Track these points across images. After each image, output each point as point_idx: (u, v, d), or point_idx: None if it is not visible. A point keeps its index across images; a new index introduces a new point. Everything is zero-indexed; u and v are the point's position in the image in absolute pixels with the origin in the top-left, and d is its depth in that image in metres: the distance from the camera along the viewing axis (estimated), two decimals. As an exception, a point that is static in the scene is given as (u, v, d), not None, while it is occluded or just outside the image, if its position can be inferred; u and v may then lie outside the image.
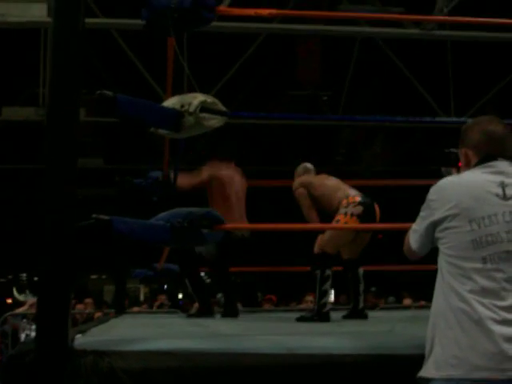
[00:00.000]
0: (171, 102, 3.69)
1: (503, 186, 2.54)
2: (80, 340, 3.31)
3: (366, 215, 5.56)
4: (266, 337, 3.67)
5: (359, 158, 15.06)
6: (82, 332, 3.89)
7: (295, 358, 3.09)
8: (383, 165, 14.17)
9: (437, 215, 2.58)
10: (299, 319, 5.46)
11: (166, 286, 16.46)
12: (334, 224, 5.57)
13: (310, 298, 9.66)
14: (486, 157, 2.63)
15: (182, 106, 3.59)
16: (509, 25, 6.83)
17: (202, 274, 6.90)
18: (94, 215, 3.34)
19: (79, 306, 10.14)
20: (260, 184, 7.85)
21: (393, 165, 14.04)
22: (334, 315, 5.62)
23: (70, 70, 3.10)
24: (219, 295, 14.75)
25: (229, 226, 3.71)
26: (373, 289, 11.51)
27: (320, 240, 5.54)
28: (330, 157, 15.00)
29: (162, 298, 11.40)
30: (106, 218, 3.37)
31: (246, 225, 4.20)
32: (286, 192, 6.23)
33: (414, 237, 2.74)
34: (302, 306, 9.74)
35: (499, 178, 2.55)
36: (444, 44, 11.43)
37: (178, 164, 5.56)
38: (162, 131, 3.79)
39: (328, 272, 5.48)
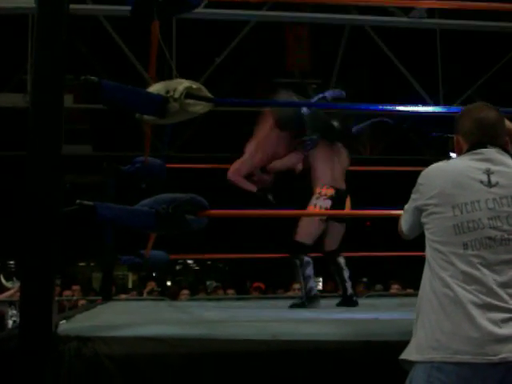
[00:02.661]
0: (156, 88, 3.67)
1: (489, 173, 2.54)
2: (64, 326, 3.31)
3: (333, 209, 5.64)
4: (251, 323, 3.68)
5: (347, 146, 15.03)
6: (67, 318, 3.89)
7: (280, 344, 3.10)
8: (371, 152, 14.16)
9: (423, 200, 2.60)
10: (292, 306, 5.51)
11: (154, 274, 16.46)
12: (321, 210, 5.61)
13: (297, 285, 9.67)
14: (475, 144, 2.63)
15: (167, 92, 3.57)
16: (497, 11, 6.84)
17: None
18: (78, 201, 3.32)
19: (66, 293, 10.12)
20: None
21: (381, 153, 14.04)
22: (321, 302, 5.65)
23: (54, 55, 3.08)
24: (209, 282, 14.81)
25: (213, 212, 3.69)
26: (364, 279, 11.53)
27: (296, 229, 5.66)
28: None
29: (152, 284, 11.39)
30: (90, 203, 3.36)
31: (232, 211, 4.19)
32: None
33: (404, 217, 2.77)
34: (290, 293, 9.75)
35: (485, 165, 2.55)
36: (433, 32, 11.43)
37: (165, 150, 5.55)
38: (146, 117, 3.77)
39: (306, 259, 5.55)
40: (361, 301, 6.24)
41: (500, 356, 2.37)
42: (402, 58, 11.87)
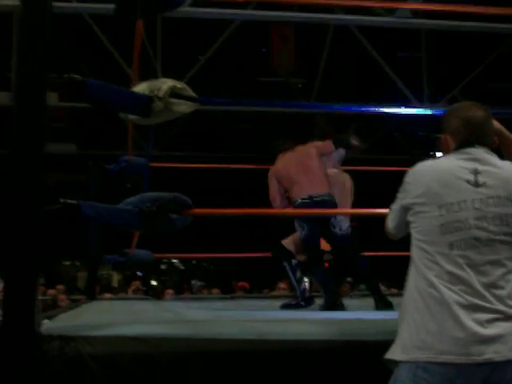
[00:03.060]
0: (141, 88, 3.65)
1: (476, 172, 2.53)
2: (47, 325, 3.30)
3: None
4: (236, 323, 3.67)
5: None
6: (50, 317, 3.87)
7: (265, 343, 3.09)
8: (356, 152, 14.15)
9: (409, 198, 2.59)
10: (283, 307, 5.52)
11: (138, 273, 16.44)
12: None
13: (282, 285, 9.68)
14: (463, 143, 2.62)
15: (152, 92, 3.56)
16: (482, 14, 6.86)
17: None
18: (61, 200, 3.31)
19: (51, 292, 10.09)
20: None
21: (366, 152, 14.05)
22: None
23: (37, 53, 3.08)
24: (193, 281, 14.79)
25: (197, 211, 3.68)
26: (348, 279, 11.54)
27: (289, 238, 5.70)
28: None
29: (136, 283, 11.39)
30: (74, 202, 3.34)
31: (216, 210, 4.19)
32: (259, 177, 6.26)
33: (391, 216, 2.75)
34: (275, 293, 9.75)
35: (473, 165, 2.55)
36: (418, 32, 11.46)
37: (150, 150, 5.54)
38: (131, 116, 3.76)
39: (295, 261, 5.58)
40: (345, 301, 6.25)
41: (485, 356, 2.37)
42: (387, 57, 11.88)
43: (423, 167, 2.64)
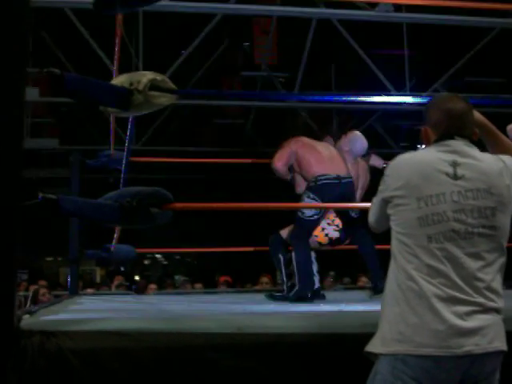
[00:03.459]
0: (120, 80, 3.64)
1: (455, 165, 2.53)
2: (28, 320, 3.28)
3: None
4: (217, 317, 3.67)
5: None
6: (31, 313, 3.85)
7: (245, 337, 3.09)
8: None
9: (389, 191, 2.59)
10: (272, 297, 5.52)
11: (122, 268, 16.37)
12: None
13: (265, 279, 9.67)
14: (443, 135, 2.62)
15: (131, 84, 3.55)
16: (464, 8, 6.88)
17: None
18: (40, 194, 3.29)
19: (33, 288, 10.04)
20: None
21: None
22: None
23: (15, 47, 3.05)
24: (177, 277, 14.77)
25: (178, 205, 3.67)
26: (331, 273, 11.55)
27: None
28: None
29: (120, 278, 11.35)
30: (53, 196, 3.33)
31: (197, 204, 4.18)
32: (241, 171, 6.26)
33: (372, 210, 2.75)
34: (258, 287, 9.75)
35: (452, 157, 2.54)
36: (400, 26, 11.46)
37: (130, 143, 5.51)
38: (110, 109, 3.74)
39: (289, 255, 5.60)
40: (328, 294, 6.26)
41: (464, 349, 2.38)
42: (370, 51, 11.88)
43: (402, 160, 2.63)
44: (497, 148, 2.80)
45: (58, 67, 3.40)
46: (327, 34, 11.62)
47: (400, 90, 11.57)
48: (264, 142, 13.10)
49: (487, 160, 2.59)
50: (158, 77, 3.64)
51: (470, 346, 2.39)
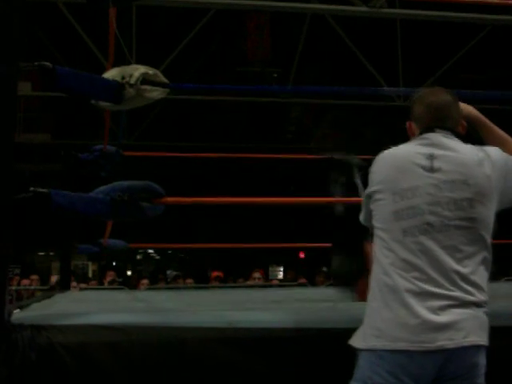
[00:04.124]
0: (112, 74, 3.63)
1: (432, 158, 2.52)
2: (18, 315, 3.28)
3: None
4: (208, 311, 3.66)
5: (309, 136, 15.11)
6: (22, 307, 3.85)
7: (236, 331, 3.09)
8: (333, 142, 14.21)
9: (371, 187, 2.60)
10: None
11: (114, 263, 16.39)
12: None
13: (257, 274, 9.69)
14: (424, 128, 2.62)
15: (123, 78, 3.54)
16: (458, 3, 6.88)
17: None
18: (32, 188, 3.29)
19: (24, 282, 10.04)
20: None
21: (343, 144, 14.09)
22: (281, 291, 5.65)
23: (7, 41, 3.04)
24: (169, 271, 14.78)
25: (170, 199, 3.67)
26: (324, 269, 11.58)
27: None
28: (280, 134, 15.01)
29: (111, 274, 11.35)
30: (45, 190, 3.32)
31: (188, 198, 4.17)
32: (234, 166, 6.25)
33: (362, 207, 2.76)
34: (250, 282, 9.76)
35: (429, 150, 2.54)
36: (393, 22, 11.48)
37: (121, 138, 5.50)
38: (102, 103, 3.74)
39: None
40: (321, 290, 6.27)
41: (437, 344, 2.37)
42: (363, 47, 11.90)
43: (384, 155, 2.64)
44: (492, 141, 2.79)
45: (49, 61, 3.38)
46: (321, 29, 11.63)
47: (393, 86, 11.59)
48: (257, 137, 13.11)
49: (466, 151, 2.57)
50: (150, 71, 3.64)
51: (443, 340, 2.38)
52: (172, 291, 7.43)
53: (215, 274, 11.27)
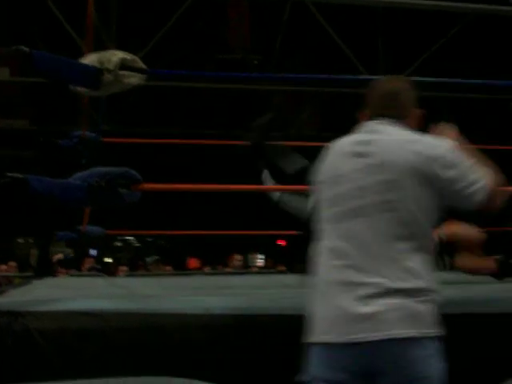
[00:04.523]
0: (90, 59, 3.60)
1: (366, 144, 2.50)
2: (-5, 301, 3.26)
3: None
4: (185, 297, 3.65)
5: (288, 123, 15.08)
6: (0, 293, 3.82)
7: (213, 318, 3.08)
8: (312, 130, 14.22)
9: (316, 176, 2.62)
10: None
11: (92, 251, 16.33)
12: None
13: (237, 256, 9.69)
14: (369, 117, 2.62)
15: (102, 63, 3.51)
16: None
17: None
18: (9, 174, 3.26)
19: (2, 268, 9.99)
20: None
21: (321, 130, 14.10)
22: (259, 278, 5.64)
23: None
24: (149, 258, 14.73)
25: (147, 186, 3.65)
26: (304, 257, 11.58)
27: None
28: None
29: (90, 260, 11.30)
30: (21, 176, 3.29)
31: (166, 185, 4.15)
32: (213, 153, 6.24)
33: (310, 195, 2.77)
34: (229, 269, 9.77)
35: (366, 137, 2.52)
36: (375, 10, 11.47)
37: (101, 124, 5.47)
38: (80, 89, 3.71)
39: None
40: (299, 277, 6.24)
41: (360, 335, 2.31)
42: (344, 35, 11.88)
43: (331, 144, 2.64)
44: None
45: (27, 45, 3.35)
46: (302, 16, 11.61)
47: (373, 74, 11.59)
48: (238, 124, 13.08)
49: (398, 135, 2.52)
50: (129, 56, 3.61)
51: (368, 332, 2.31)
52: (150, 278, 7.41)
53: (193, 260, 11.27)
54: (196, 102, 14.19)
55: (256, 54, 13.34)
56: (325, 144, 2.67)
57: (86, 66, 3.55)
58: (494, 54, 12.26)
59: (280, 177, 4.51)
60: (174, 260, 12.86)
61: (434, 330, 2.36)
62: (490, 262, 3.67)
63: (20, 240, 20.52)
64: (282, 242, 18.45)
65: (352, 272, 2.36)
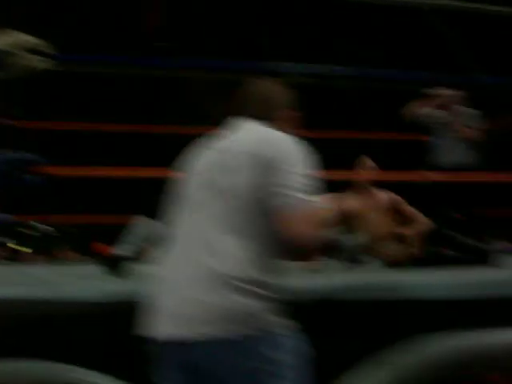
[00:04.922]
0: (-6, 41, 3.53)
1: (221, 139, 2.48)
2: None
3: None
4: (85, 284, 3.63)
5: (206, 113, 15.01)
6: None
7: (119, 304, 3.07)
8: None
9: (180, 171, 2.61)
10: None
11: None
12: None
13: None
14: (237, 114, 2.59)
15: (6, 46, 3.45)
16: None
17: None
18: None
19: None
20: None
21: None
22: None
23: None
24: (56, 245, 14.48)
25: (51, 169, 3.60)
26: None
27: None
28: (179, 108, 14.89)
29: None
30: None
31: (69, 169, 4.09)
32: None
33: None
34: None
35: (225, 133, 2.51)
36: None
37: (14, 109, 5.37)
38: (-17, 71, 3.63)
39: None
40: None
41: (169, 333, 2.26)
42: (261, 19, 11.88)
43: (199, 140, 2.64)
44: None
45: None
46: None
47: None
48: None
49: (251, 131, 2.45)
50: (35, 40, 3.56)
51: (178, 330, 2.24)
52: (56, 265, 7.33)
53: (101, 247, 11.12)
54: (108, 88, 14.04)
55: (170, 39, 13.26)
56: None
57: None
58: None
59: None
60: (82, 246, 12.70)
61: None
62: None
63: None
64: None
65: (176, 270, 2.32)
